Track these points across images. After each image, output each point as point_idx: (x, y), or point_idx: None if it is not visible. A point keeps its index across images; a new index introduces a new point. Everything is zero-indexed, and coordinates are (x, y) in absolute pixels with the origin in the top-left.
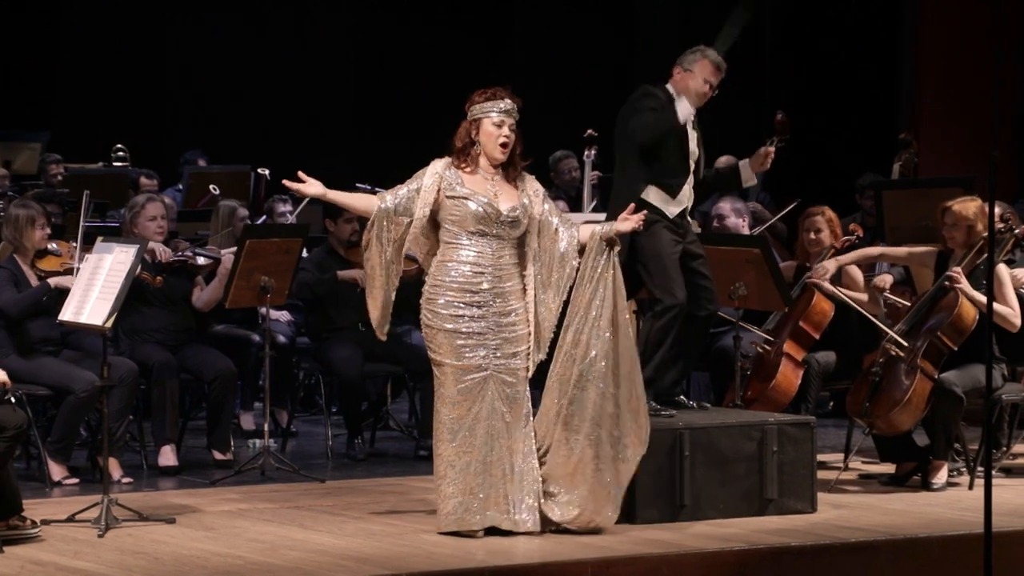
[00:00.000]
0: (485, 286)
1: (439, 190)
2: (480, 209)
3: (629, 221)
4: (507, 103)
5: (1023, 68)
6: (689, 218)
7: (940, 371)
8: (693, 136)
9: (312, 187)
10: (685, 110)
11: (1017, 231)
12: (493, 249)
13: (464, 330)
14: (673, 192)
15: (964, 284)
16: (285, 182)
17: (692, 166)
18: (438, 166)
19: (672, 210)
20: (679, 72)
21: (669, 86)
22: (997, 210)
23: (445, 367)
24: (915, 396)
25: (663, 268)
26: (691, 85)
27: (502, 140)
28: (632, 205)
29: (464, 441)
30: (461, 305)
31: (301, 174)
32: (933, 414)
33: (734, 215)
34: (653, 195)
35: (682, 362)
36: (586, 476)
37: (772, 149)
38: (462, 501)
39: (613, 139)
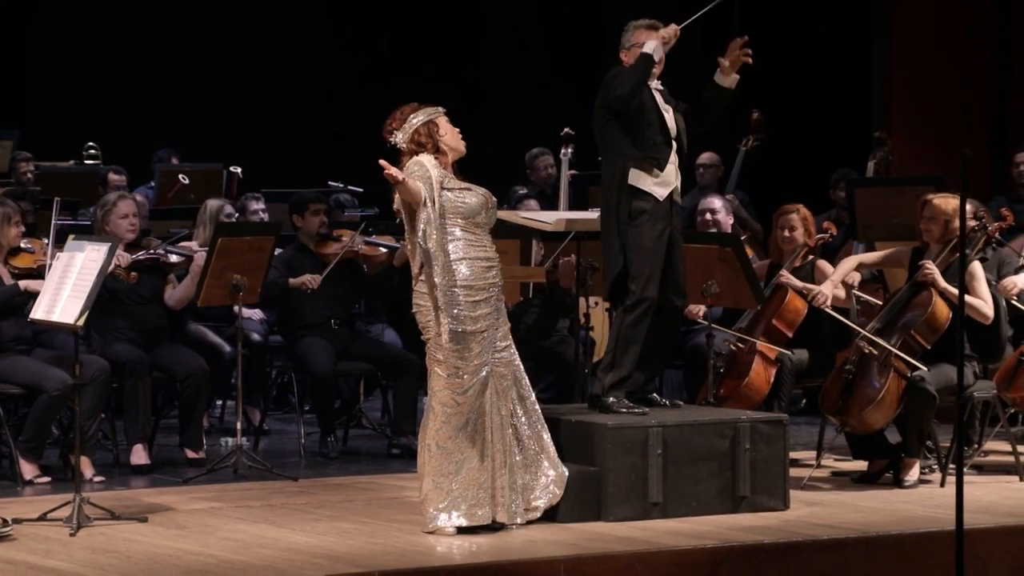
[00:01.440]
0: (492, 279)
1: (441, 184)
2: (483, 198)
3: None
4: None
5: (995, 66)
6: (678, 199)
7: (913, 370)
8: (668, 111)
9: (398, 173)
10: (651, 45)
11: (990, 229)
12: (491, 241)
13: (479, 329)
14: (660, 165)
15: (936, 275)
16: (381, 161)
17: (674, 143)
18: (431, 159)
19: (661, 192)
20: (624, 55)
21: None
22: (970, 207)
23: (453, 367)
24: (888, 394)
25: (641, 262)
26: (635, 54)
27: (460, 135)
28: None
29: (469, 437)
30: (480, 304)
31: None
32: (906, 412)
33: (724, 211)
34: (640, 179)
35: (653, 359)
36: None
37: (745, 48)
38: (468, 495)
39: (594, 131)
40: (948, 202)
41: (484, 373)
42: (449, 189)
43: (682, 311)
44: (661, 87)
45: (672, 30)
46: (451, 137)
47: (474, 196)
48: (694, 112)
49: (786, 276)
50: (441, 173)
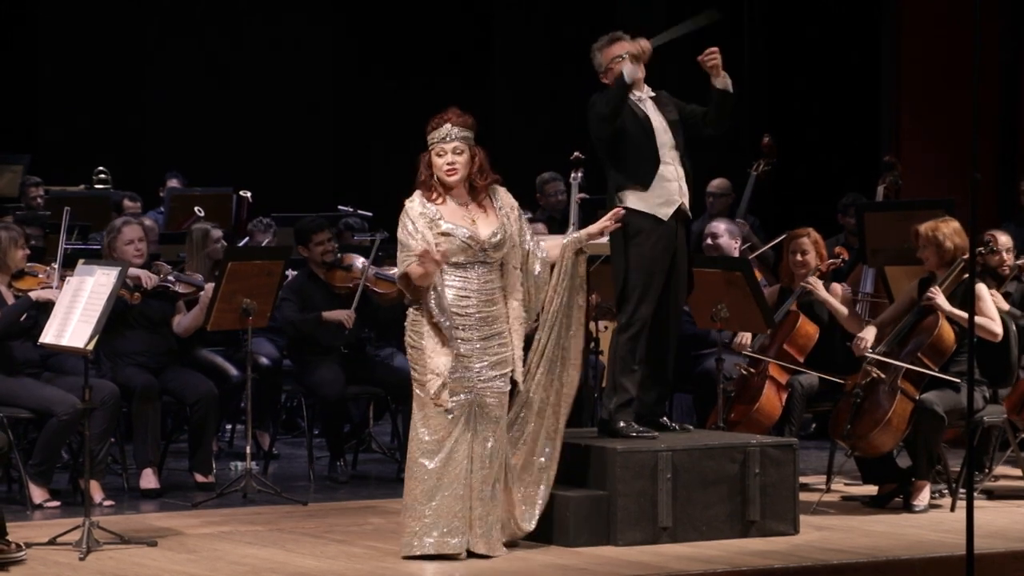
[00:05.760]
0: (471, 310)
1: (430, 228)
2: (463, 242)
3: (600, 222)
4: (444, 129)
5: (1004, 90)
6: (688, 215)
7: (921, 392)
8: (661, 121)
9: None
10: (628, 69)
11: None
12: (478, 275)
13: (455, 352)
14: (646, 183)
15: (941, 300)
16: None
17: (671, 153)
18: (415, 206)
19: (665, 211)
20: (604, 78)
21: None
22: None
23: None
24: (895, 417)
25: (634, 282)
26: (615, 72)
27: (446, 168)
28: (617, 210)
29: (444, 464)
30: (454, 329)
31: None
32: (915, 434)
33: (727, 235)
34: (637, 201)
35: (657, 380)
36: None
37: (714, 53)
38: (440, 523)
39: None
40: (932, 226)
41: (465, 399)
42: (433, 231)
43: (667, 331)
44: (652, 94)
45: (642, 46)
46: (436, 172)
47: (458, 239)
48: (705, 116)
49: (813, 283)
50: (432, 211)
